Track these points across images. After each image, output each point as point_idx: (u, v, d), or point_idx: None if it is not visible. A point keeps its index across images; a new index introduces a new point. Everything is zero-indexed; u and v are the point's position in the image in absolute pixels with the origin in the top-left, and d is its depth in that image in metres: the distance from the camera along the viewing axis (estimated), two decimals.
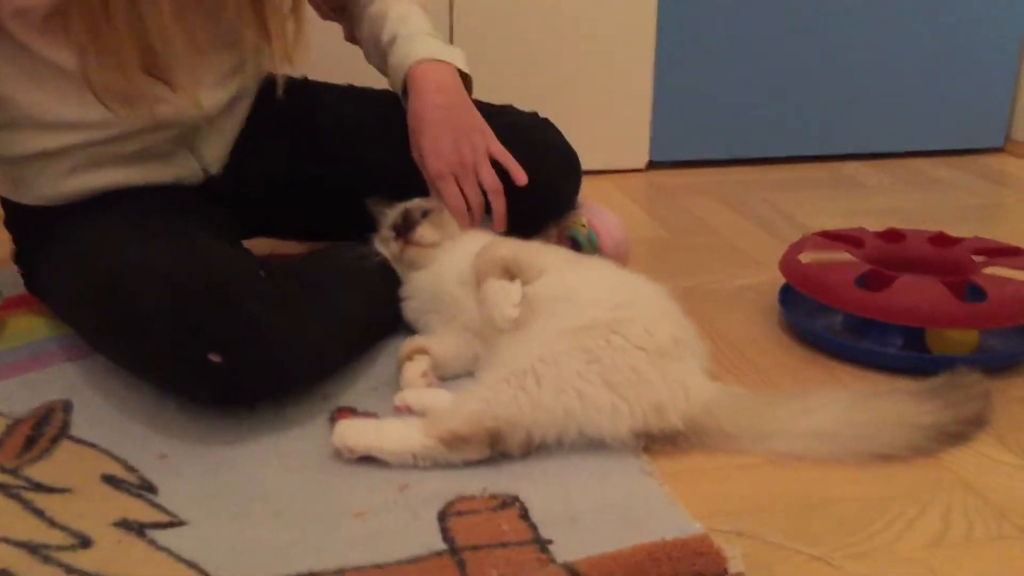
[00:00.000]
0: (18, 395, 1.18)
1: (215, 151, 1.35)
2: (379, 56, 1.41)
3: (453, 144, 1.30)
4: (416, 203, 1.33)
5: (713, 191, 2.15)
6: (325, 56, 1.41)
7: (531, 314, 1.14)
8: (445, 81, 1.32)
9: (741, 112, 2.32)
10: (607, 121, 2.23)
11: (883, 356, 1.26)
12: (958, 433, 1.06)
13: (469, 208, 1.31)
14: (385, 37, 1.37)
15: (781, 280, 1.46)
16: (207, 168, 1.35)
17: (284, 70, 1.28)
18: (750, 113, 2.32)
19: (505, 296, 1.15)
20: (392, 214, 1.33)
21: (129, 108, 1.17)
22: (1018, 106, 2.46)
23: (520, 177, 1.32)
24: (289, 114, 1.43)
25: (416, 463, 1.02)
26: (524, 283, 1.18)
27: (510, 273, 1.18)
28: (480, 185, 1.31)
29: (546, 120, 1.48)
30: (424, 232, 1.29)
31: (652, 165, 2.32)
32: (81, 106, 1.17)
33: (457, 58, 1.36)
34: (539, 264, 1.19)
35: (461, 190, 1.31)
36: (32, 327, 1.37)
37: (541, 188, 1.36)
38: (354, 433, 1.04)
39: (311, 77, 1.51)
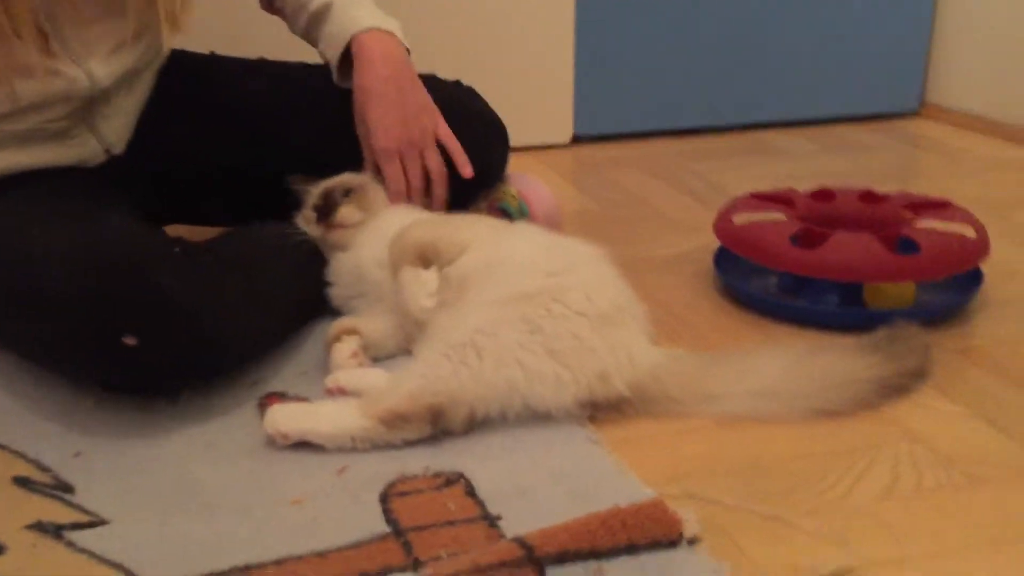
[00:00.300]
0: None
1: (116, 130, 1.27)
2: (308, 23, 1.34)
3: (402, 122, 1.26)
4: (337, 181, 1.27)
5: (639, 163, 2.13)
6: (234, 29, 1.35)
7: (464, 286, 1.10)
8: (393, 53, 1.28)
9: (663, 84, 2.30)
10: (530, 96, 2.19)
11: (821, 314, 1.25)
12: (900, 386, 1.06)
13: (408, 189, 1.26)
14: (316, 3, 1.31)
15: (714, 246, 1.44)
16: (109, 148, 1.27)
17: (170, 34, 1.21)
18: (672, 85, 2.31)
19: (420, 286, 1.10)
20: (315, 193, 1.27)
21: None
22: (931, 70, 2.50)
23: (466, 170, 1.29)
24: (195, 91, 1.36)
25: (355, 446, 0.97)
26: (446, 264, 1.13)
27: (425, 260, 1.13)
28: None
29: (471, 88, 1.44)
30: (346, 213, 1.24)
31: (576, 140, 2.30)
32: None
33: (395, 29, 1.31)
34: (461, 240, 1.14)
35: (404, 170, 1.26)
36: None
37: (470, 158, 1.32)
38: (287, 418, 0.98)
39: (218, 51, 1.43)
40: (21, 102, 1.11)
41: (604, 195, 1.90)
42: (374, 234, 1.21)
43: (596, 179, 2.02)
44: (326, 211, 1.23)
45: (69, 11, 1.10)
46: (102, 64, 1.18)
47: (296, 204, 1.30)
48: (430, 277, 1.11)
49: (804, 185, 1.50)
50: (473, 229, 1.18)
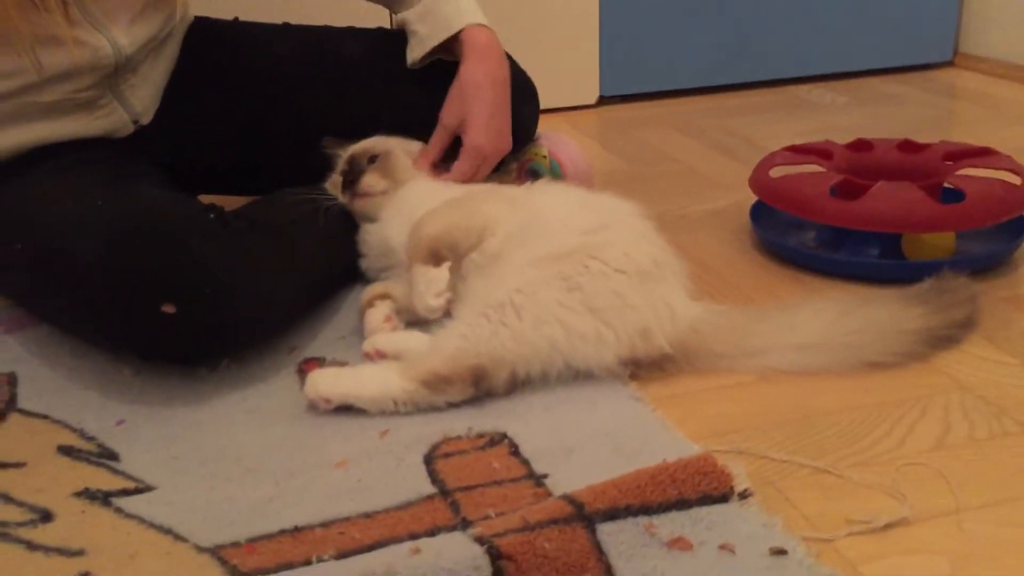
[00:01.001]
0: None
1: (143, 99, 1.26)
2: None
3: (499, 130, 1.26)
4: (363, 147, 1.26)
5: (668, 122, 2.10)
6: None
7: (500, 252, 1.09)
8: (500, 55, 1.28)
9: (689, 42, 2.26)
10: (556, 57, 2.16)
11: (863, 266, 1.23)
12: (948, 336, 1.04)
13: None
14: None
15: (749, 202, 1.42)
16: (137, 119, 1.26)
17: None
18: (698, 42, 2.27)
19: (427, 285, 1.06)
20: (343, 157, 1.26)
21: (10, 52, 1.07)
22: (965, 20, 2.44)
23: None
24: (220, 58, 1.35)
25: (396, 409, 0.97)
26: (467, 253, 1.10)
27: (438, 256, 1.08)
28: None
29: None
30: (370, 181, 1.21)
31: (603, 100, 2.27)
32: None
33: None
34: (479, 224, 1.11)
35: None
36: None
37: None
38: (328, 382, 0.98)
39: (241, 17, 1.42)
40: (47, 72, 1.10)
41: (634, 154, 1.88)
42: (400, 208, 1.19)
43: (625, 139, 2.00)
44: (351, 179, 1.22)
45: None
46: (124, 32, 1.16)
47: (328, 167, 1.29)
48: (440, 276, 1.07)
49: (839, 138, 1.47)
50: (495, 205, 1.14)
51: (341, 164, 1.25)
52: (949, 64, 2.46)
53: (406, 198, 1.20)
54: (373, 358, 1.07)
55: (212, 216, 1.03)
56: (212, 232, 1.01)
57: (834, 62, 2.37)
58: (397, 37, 1.34)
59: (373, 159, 1.23)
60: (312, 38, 1.38)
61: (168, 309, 0.95)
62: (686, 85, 2.31)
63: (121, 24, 1.16)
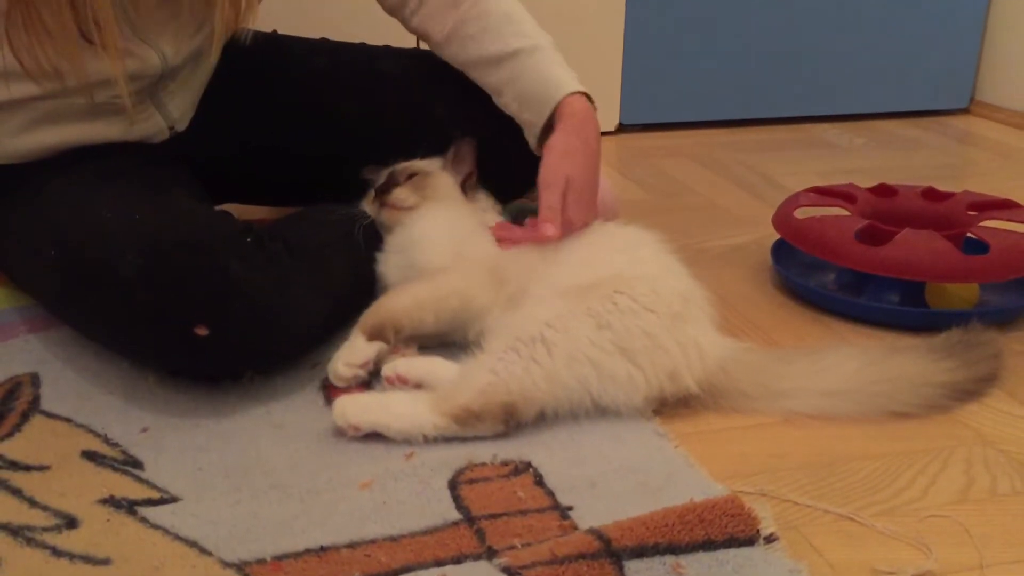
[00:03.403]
0: None
1: (180, 107, 1.27)
2: (488, 62, 1.26)
3: (588, 202, 1.19)
4: (406, 165, 1.27)
5: (686, 153, 2.11)
6: (295, 8, 1.34)
7: (523, 285, 1.09)
8: (595, 126, 1.22)
9: (711, 75, 2.28)
10: None
11: (886, 312, 1.23)
12: (973, 391, 1.04)
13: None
14: (496, 45, 1.24)
15: (769, 239, 1.43)
16: (173, 125, 1.26)
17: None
18: (720, 76, 2.29)
19: (348, 353, 1.06)
20: (383, 174, 1.27)
21: (60, 81, 1.08)
22: (982, 68, 2.46)
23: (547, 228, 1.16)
24: (257, 69, 1.35)
25: (425, 441, 0.96)
26: (436, 329, 1.10)
27: (379, 334, 1.07)
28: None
29: None
30: (400, 194, 1.23)
31: (622, 128, 2.28)
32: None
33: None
34: (455, 305, 1.09)
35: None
36: None
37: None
38: (358, 411, 0.97)
39: (280, 30, 1.43)
40: (92, 78, 1.10)
41: (653, 184, 1.89)
42: (422, 222, 1.20)
43: (644, 168, 2.01)
44: (384, 189, 1.23)
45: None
46: (170, 42, 1.17)
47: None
48: (364, 350, 1.06)
49: (856, 180, 1.48)
50: (470, 280, 1.11)
51: (382, 177, 1.26)
52: (964, 111, 2.49)
53: (430, 214, 1.21)
54: (394, 383, 1.06)
55: (250, 240, 1.03)
56: (250, 255, 1.01)
57: (852, 103, 2.39)
58: (432, 56, 1.35)
59: (411, 176, 1.24)
60: (349, 53, 1.39)
61: (201, 331, 0.95)
62: (705, 117, 2.32)
63: (168, 35, 1.16)
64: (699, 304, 1.08)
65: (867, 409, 1.00)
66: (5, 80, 1.08)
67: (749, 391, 1.02)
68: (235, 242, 1.02)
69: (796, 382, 1.02)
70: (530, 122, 1.25)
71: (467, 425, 0.96)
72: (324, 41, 1.43)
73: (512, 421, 0.97)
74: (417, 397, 0.99)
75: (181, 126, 1.27)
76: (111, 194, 1.08)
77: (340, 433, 0.97)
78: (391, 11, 1.33)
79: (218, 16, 1.12)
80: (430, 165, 1.27)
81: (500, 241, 1.17)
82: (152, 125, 1.23)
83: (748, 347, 1.07)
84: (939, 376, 1.02)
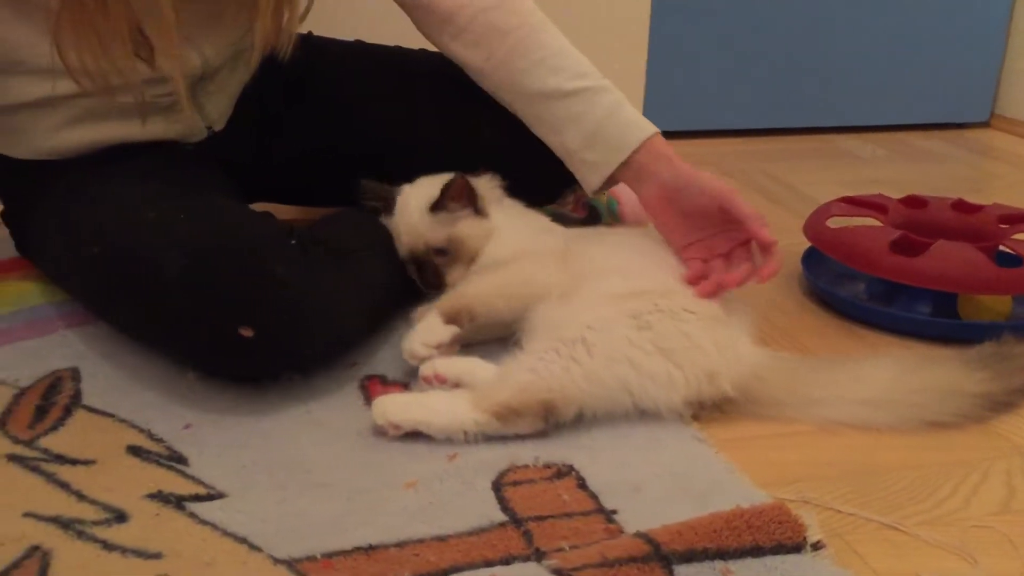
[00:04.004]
0: (18, 363, 1.10)
1: (218, 107, 1.27)
2: (546, 96, 1.21)
3: (711, 239, 1.14)
4: (424, 239, 1.18)
5: (709, 162, 2.11)
6: (330, 11, 1.34)
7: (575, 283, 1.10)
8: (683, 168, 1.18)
9: (733, 84, 2.29)
10: None
11: (917, 323, 1.24)
12: (1008, 403, 1.04)
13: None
14: (550, 83, 1.20)
15: (796, 248, 1.43)
16: (211, 125, 1.27)
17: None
18: (742, 85, 2.29)
19: (425, 333, 1.07)
20: (406, 244, 1.20)
21: (103, 81, 1.07)
22: (1004, 82, 2.47)
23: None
24: (292, 70, 1.35)
25: (466, 439, 0.97)
26: (503, 319, 1.09)
27: (455, 319, 1.08)
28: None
29: None
30: (456, 277, 1.18)
31: None
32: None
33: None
34: (533, 293, 1.09)
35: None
36: (23, 292, 1.28)
37: None
38: (398, 409, 0.97)
39: (316, 32, 1.43)
40: (137, 77, 1.10)
41: None
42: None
43: None
44: (432, 281, 1.18)
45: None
46: (212, 43, 1.18)
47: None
48: (441, 332, 1.07)
49: (878, 190, 1.49)
50: (550, 272, 1.12)
51: (404, 250, 1.20)
52: (985, 125, 2.49)
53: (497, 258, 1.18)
54: (432, 382, 1.06)
55: (294, 242, 1.04)
56: (294, 258, 1.02)
57: (873, 114, 2.40)
58: None
59: (441, 252, 1.18)
60: (384, 56, 1.40)
61: (246, 332, 0.96)
62: (726, 126, 2.33)
63: (209, 38, 1.17)
64: (736, 313, 1.08)
65: (903, 419, 1.01)
66: (51, 76, 1.09)
67: (784, 398, 1.02)
68: (280, 245, 1.03)
69: (832, 390, 1.02)
70: (596, 162, 1.19)
71: (507, 422, 0.96)
72: (359, 43, 1.44)
73: (551, 419, 0.98)
74: (457, 395, 1.00)
75: (218, 126, 1.28)
76: (153, 193, 1.09)
77: (380, 432, 0.98)
78: (428, 34, 1.29)
79: (259, 29, 1.11)
80: (452, 223, 1.18)
81: (704, 294, 1.08)
82: (190, 124, 1.23)
83: (783, 356, 1.08)
84: (975, 387, 1.02)
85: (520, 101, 1.24)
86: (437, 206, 1.18)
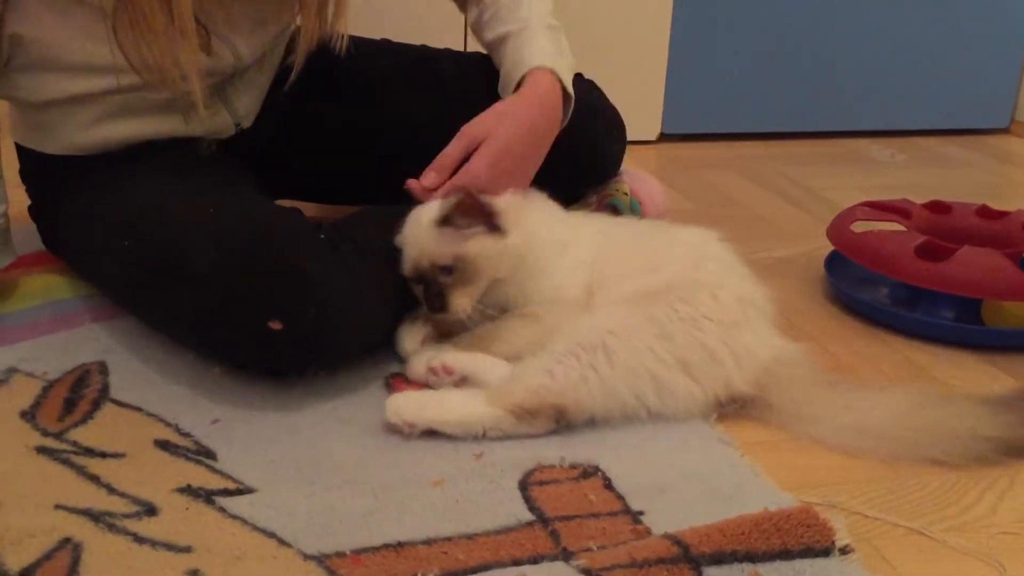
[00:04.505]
0: (46, 356, 1.11)
1: (247, 104, 1.28)
2: (491, 47, 1.33)
3: (507, 171, 1.16)
4: (427, 254, 1.08)
5: (728, 164, 2.12)
6: (357, 10, 1.34)
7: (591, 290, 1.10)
8: (554, 106, 1.21)
9: (753, 87, 2.29)
10: (620, 92, 2.16)
11: (941, 328, 1.23)
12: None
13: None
14: (496, 30, 1.29)
15: (818, 252, 1.43)
16: (240, 121, 1.28)
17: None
18: (762, 88, 2.29)
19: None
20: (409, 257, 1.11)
21: (161, 75, 1.08)
22: None
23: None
24: (320, 68, 1.36)
25: (484, 435, 0.97)
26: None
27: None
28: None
29: (591, 81, 1.44)
30: (460, 303, 1.08)
31: (663, 137, 2.29)
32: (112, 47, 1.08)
33: (564, 68, 1.24)
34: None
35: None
36: (49, 286, 1.29)
37: (588, 151, 1.32)
38: (412, 408, 0.97)
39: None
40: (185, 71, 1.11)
41: (697, 194, 1.89)
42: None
43: (687, 178, 2.01)
44: (436, 303, 1.08)
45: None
46: (245, 41, 1.19)
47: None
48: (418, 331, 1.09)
49: (898, 195, 1.48)
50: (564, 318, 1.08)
51: (408, 265, 1.10)
52: (1005, 131, 2.48)
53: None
54: (439, 373, 1.04)
55: (323, 236, 1.04)
56: (324, 254, 1.03)
57: (893, 119, 2.40)
58: (490, 59, 1.36)
59: (447, 270, 1.08)
60: (412, 55, 1.41)
61: (275, 326, 0.96)
62: (746, 129, 2.33)
63: (243, 33, 1.17)
64: (759, 306, 1.08)
65: (896, 454, 0.97)
66: (85, 73, 1.10)
67: (778, 405, 1.01)
68: (309, 240, 1.03)
69: (827, 411, 1.00)
70: (505, 73, 1.27)
71: (522, 420, 0.97)
72: (386, 42, 1.44)
73: (562, 421, 0.98)
74: (471, 393, 1.00)
75: (247, 123, 1.29)
76: (183, 188, 1.10)
77: (394, 430, 0.98)
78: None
79: (305, 28, 1.14)
80: (461, 240, 1.08)
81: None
82: (219, 121, 1.24)
83: (799, 360, 1.05)
84: (992, 430, 0.97)
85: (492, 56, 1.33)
86: (444, 220, 1.07)
